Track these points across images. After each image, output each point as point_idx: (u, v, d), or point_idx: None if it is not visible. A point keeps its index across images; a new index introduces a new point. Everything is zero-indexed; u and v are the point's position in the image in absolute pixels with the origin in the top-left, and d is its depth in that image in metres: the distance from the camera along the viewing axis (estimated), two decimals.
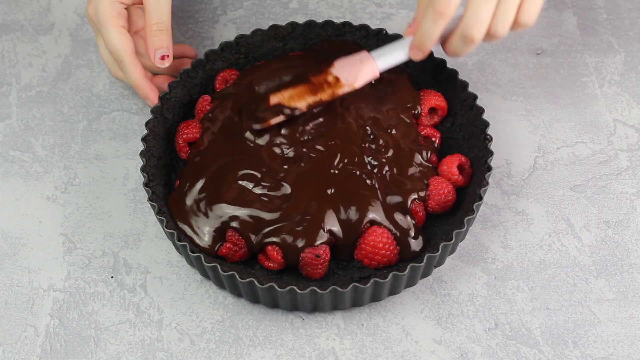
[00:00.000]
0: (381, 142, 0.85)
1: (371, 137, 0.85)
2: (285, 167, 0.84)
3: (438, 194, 0.83)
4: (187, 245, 0.80)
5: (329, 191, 0.82)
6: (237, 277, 0.78)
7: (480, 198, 0.81)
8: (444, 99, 0.90)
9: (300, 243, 0.80)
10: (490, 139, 0.85)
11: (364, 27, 0.95)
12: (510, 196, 0.89)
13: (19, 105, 0.98)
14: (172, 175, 0.88)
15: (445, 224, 0.84)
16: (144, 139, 0.86)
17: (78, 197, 0.91)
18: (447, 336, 0.81)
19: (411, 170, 0.85)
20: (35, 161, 0.94)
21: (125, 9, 0.92)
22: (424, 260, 0.79)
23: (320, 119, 0.86)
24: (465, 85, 0.89)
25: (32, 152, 0.94)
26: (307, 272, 0.81)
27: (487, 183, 0.82)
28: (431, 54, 0.91)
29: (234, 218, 0.81)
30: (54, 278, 0.85)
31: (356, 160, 0.84)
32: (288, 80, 0.88)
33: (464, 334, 0.81)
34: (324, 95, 0.85)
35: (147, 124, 0.87)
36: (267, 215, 0.81)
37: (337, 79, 0.85)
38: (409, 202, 0.83)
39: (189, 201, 0.83)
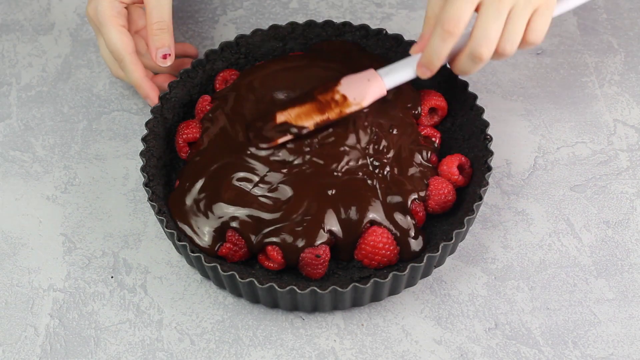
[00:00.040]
0: (383, 142, 0.85)
1: (374, 137, 0.85)
2: (285, 169, 0.84)
3: (438, 194, 0.83)
4: (187, 245, 0.80)
5: (329, 192, 0.82)
6: (237, 277, 0.78)
7: (480, 198, 0.81)
8: (444, 99, 0.90)
9: (300, 243, 0.80)
10: (490, 139, 0.85)
11: (364, 27, 0.95)
12: (510, 196, 0.89)
13: (19, 105, 0.98)
14: (172, 175, 0.88)
15: (445, 224, 0.84)
16: (144, 139, 0.86)
17: (78, 197, 0.91)
18: (447, 336, 0.81)
19: (411, 171, 0.85)
20: (35, 161, 0.94)
21: (125, 8, 0.92)
22: (424, 260, 0.79)
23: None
24: (465, 85, 0.89)
25: (32, 152, 0.94)
26: (307, 272, 0.81)
27: (487, 183, 0.82)
28: None
29: (234, 218, 0.81)
30: (54, 278, 0.85)
31: (359, 163, 0.84)
32: (294, 97, 0.87)
33: (464, 334, 0.81)
34: (332, 114, 0.84)
35: (147, 124, 0.87)
36: (267, 216, 0.81)
37: (344, 98, 0.84)
38: (409, 202, 0.83)
39: (189, 201, 0.83)
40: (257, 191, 0.83)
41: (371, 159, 0.84)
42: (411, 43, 0.93)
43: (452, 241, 0.80)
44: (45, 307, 0.84)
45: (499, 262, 0.85)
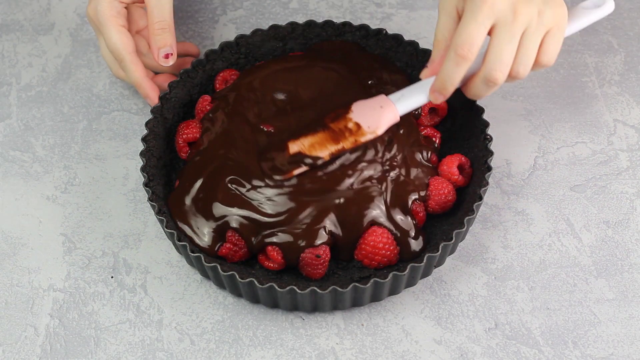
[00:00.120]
0: (395, 146, 0.84)
1: (387, 140, 0.84)
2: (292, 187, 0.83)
3: (438, 194, 0.83)
4: (187, 245, 0.80)
5: (337, 201, 0.81)
6: (237, 277, 0.78)
7: (480, 198, 0.81)
8: None
9: (300, 243, 0.80)
10: (490, 139, 0.85)
11: (364, 27, 0.95)
12: (510, 196, 0.89)
13: (19, 105, 0.98)
14: (172, 175, 0.88)
15: (445, 224, 0.84)
16: (144, 139, 0.86)
17: (78, 197, 0.91)
18: (447, 336, 0.81)
19: (413, 171, 0.85)
20: (35, 161, 0.94)
21: (125, 8, 0.92)
22: (424, 260, 0.79)
23: None
24: None
25: (32, 152, 0.94)
26: (307, 272, 0.81)
27: (487, 183, 0.82)
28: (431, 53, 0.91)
29: (234, 218, 0.81)
30: (54, 278, 0.85)
31: (374, 172, 0.83)
32: (305, 125, 0.84)
33: (464, 334, 0.81)
34: (347, 144, 0.82)
35: (147, 124, 0.87)
36: (267, 216, 0.81)
37: (358, 126, 0.82)
38: (410, 203, 0.83)
39: (189, 201, 0.83)
40: (257, 191, 0.82)
41: (385, 167, 0.83)
42: (411, 43, 0.93)
43: (452, 241, 0.80)
44: (45, 307, 0.84)
45: (499, 262, 0.85)
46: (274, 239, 0.80)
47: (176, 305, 0.83)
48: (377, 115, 0.82)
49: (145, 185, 0.82)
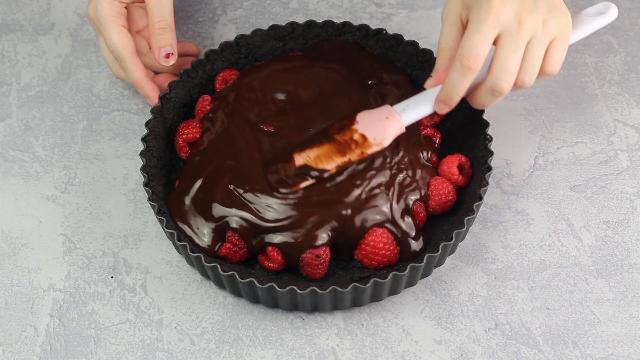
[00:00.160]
0: (402, 149, 0.84)
1: (393, 143, 0.84)
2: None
3: (438, 194, 0.83)
4: (187, 245, 0.80)
5: (344, 212, 0.81)
6: (237, 277, 0.78)
7: (480, 198, 0.81)
8: None
9: (300, 244, 0.80)
10: (490, 139, 0.85)
11: (364, 27, 0.95)
12: (510, 196, 0.89)
13: (19, 105, 0.98)
14: (172, 175, 0.88)
15: (445, 224, 0.84)
16: (144, 139, 0.86)
17: (78, 197, 0.91)
18: (447, 336, 0.81)
19: (417, 172, 0.84)
20: (35, 161, 0.94)
21: (125, 7, 0.92)
22: (424, 260, 0.79)
23: None
24: None
25: (32, 152, 0.94)
26: (308, 273, 0.81)
27: (487, 183, 0.82)
28: (431, 53, 0.91)
29: (234, 218, 0.81)
30: (54, 278, 0.85)
31: (383, 179, 0.82)
32: (310, 136, 0.84)
33: (464, 334, 0.81)
34: (353, 156, 0.81)
35: (147, 124, 0.87)
36: (267, 216, 0.81)
37: (364, 137, 0.82)
38: (411, 203, 0.83)
39: (189, 201, 0.83)
40: (257, 191, 0.82)
41: (394, 170, 0.83)
42: (411, 43, 0.93)
43: (452, 241, 0.80)
44: (45, 307, 0.84)
45: (499, 262, 0.85)
46: (274, 240, 0.80)
47: (176, 305, 0.83)
48: (382, 126, 0.82)
49: (145, 185, 0.82)
